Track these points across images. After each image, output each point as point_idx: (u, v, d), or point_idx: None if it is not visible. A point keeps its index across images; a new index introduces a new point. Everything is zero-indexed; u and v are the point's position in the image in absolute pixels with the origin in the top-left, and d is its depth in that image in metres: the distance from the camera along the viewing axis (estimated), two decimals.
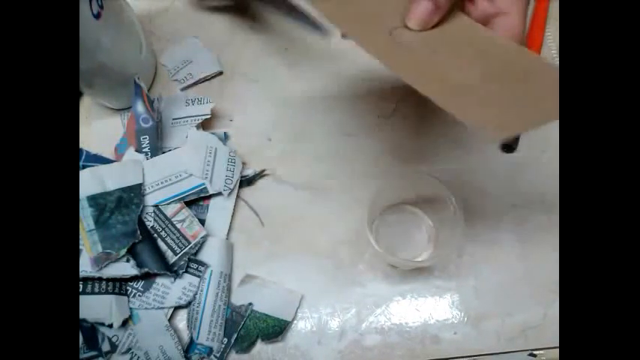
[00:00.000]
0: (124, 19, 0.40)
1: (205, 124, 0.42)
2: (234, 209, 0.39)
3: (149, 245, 0.36)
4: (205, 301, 0.35)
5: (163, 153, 0.40)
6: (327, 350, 0.35)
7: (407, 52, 0.27)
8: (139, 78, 0.39)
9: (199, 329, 0.35)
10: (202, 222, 0.38)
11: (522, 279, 0.36)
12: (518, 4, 0.27)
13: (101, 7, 0.35)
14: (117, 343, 0.35)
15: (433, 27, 0.27)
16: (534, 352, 0.35)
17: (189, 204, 0.38)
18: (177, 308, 0.36)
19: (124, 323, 0.35)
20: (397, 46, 0.27)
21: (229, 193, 0.39)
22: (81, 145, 0.40)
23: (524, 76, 0.25)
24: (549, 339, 0.35)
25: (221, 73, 0.45)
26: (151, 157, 0.39)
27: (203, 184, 0.38)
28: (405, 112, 0.42)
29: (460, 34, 0.28)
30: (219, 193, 0.38)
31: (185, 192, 0.38)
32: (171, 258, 0.36)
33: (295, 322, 0.36)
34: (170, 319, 0.35)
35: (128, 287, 0.36)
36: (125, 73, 0.39)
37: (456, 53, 0.27)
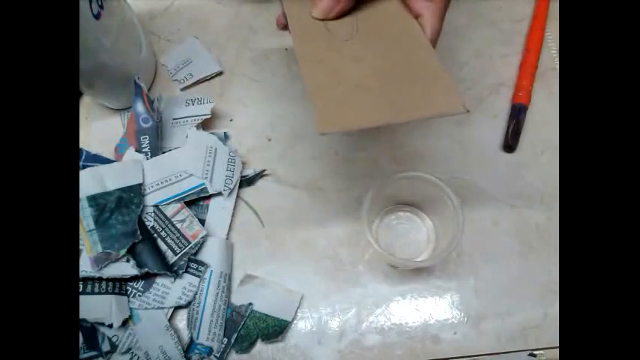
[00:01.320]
0: (124, 19, 0.40)
1: (205, 124, 0.42)
2: (234, 209, 0.39)
3: (149, 245, 0.36)
4: (205, 301, 0.35)
5: (163, 153, 0.40)
6: (327, 350, 0.35)
7: (325, 37, 0.28)
8: (139, 78, 0.39)
9: (199, 329, 0.35)
10: (202, 222, 0.38)
11: (522, 279, 0.36)
12: (431, 8, 0.29)
13: (101, 7, 0.35)
14: (117, 343, 0.35)
15: (337, 17, 0.29)
16: (534, 352, 0.35)
17: (189, 204, 0.38)
18: (177, 308, 0.36)
19: (124, 323, 0.35)
20: (322, 31, 0.29)
21: (229, 193, 0.39)
22: (81, 145, 0.40)
23: (412, 79, 0.26)
24: (549, 339, 0.35)
25: (221, 73, 0.45)
26: (151, 157, 0.39)
27: (203, 184, 0.38)
28: None
29: (387, 27, 0.29)
30: (219, 193, 0.38)
31: (185, 192, 0.38)
32: (171, 258, 0.36)
33: (295, 322, 0.36)
34: (170, 319, 0.35)
35: (128, 287, 0.36)
36: (125, 73, 0.39)
37: (369, 45, 0.28)
